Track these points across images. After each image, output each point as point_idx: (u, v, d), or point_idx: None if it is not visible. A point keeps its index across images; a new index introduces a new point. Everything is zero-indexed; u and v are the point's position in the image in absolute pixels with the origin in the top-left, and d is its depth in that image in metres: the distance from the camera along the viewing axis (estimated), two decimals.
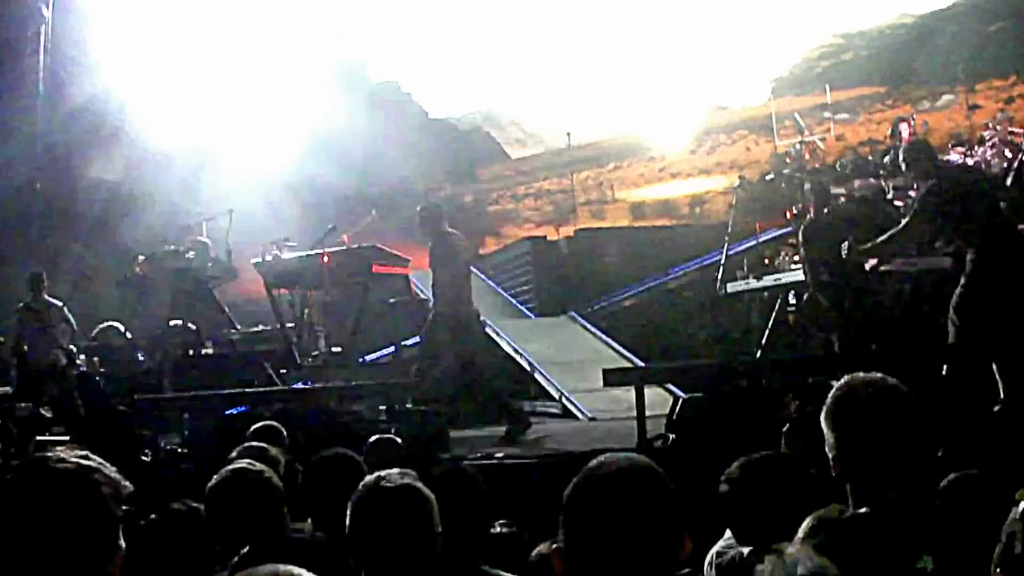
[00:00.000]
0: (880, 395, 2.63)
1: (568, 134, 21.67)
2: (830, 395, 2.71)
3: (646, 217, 26.11)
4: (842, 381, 2.71)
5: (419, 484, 3.17)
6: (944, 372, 7.59)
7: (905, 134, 12.74)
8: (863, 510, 2.56)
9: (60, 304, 12.50)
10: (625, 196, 29.46)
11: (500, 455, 8.29)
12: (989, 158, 12.39)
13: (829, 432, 2.69)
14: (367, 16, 26.15)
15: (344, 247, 12.22)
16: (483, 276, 15.47)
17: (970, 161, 12.40)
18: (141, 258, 14.22)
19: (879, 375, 2.70)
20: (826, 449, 2.71)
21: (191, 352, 12.92)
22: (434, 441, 8.32)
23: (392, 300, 13.77)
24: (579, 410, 10.78)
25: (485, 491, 3.96)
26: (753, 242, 13.71)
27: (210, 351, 13.18)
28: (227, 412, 9.19)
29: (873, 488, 2.58)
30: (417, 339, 10.77)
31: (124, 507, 1.96)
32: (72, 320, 12.56)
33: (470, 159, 35.36)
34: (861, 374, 2.70)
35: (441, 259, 9.78)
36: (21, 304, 12.41)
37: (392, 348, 13.40)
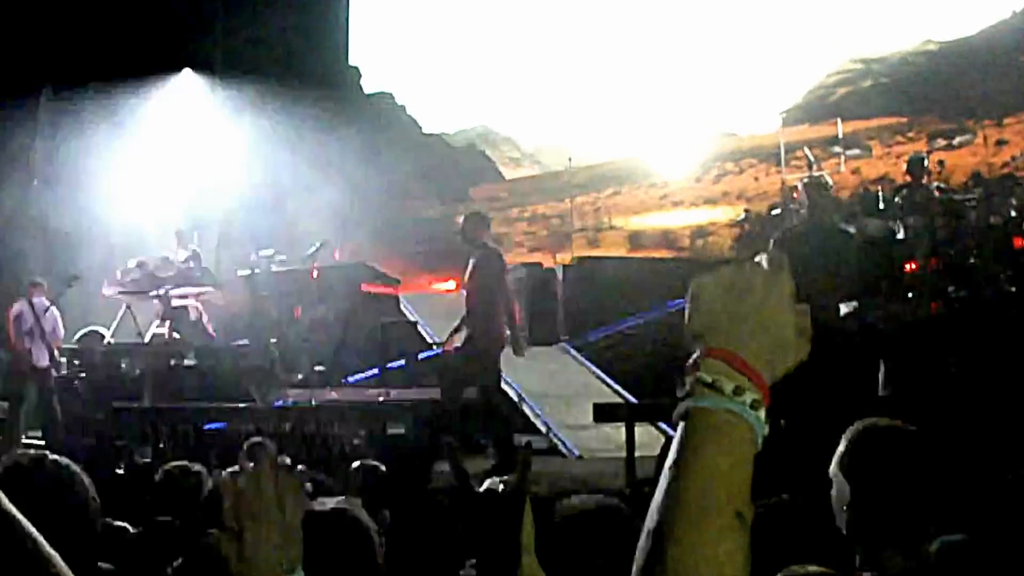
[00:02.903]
0: (907, 443, 2.63)
1: (569, 159, 21.85)
2: (847, 440, 2.69)
3: (644, 247, 26.19)
4: (859, 426, 2.70)
5: (358, 513, 3.23)
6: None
7: (923, 174, 12.88)
8: None
9: (48, 304, 12.64)
10: (623, 224, 29.55)
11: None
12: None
13: (843, 482, 2.63)
14: (361, 23, 26.40)
15: (333, 264, 12.39)
16: None
17: (984, 204, 12.57)
18: (132, 263, 14.39)
19: (898, 422, 2.70)
20: (834, 502, 2.67)
21: (173, 363, 13.07)
22: (418, 470, 8.45)
23: (382, 321, 13.90)
24: (567, 447, 10.90)
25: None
26: None
27: (192, 363, 13.33)
28: (205, 427, 9.35)
29: (883, 549, 2.55)
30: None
31: (106, 519, 2.07)
32: (60, 322, 12.71)
33: (463, 178, 35.56)
34: (880, 420, 2.71)
35: (483, 276, 9.63)
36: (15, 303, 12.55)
37: (376, 371, 13.53)
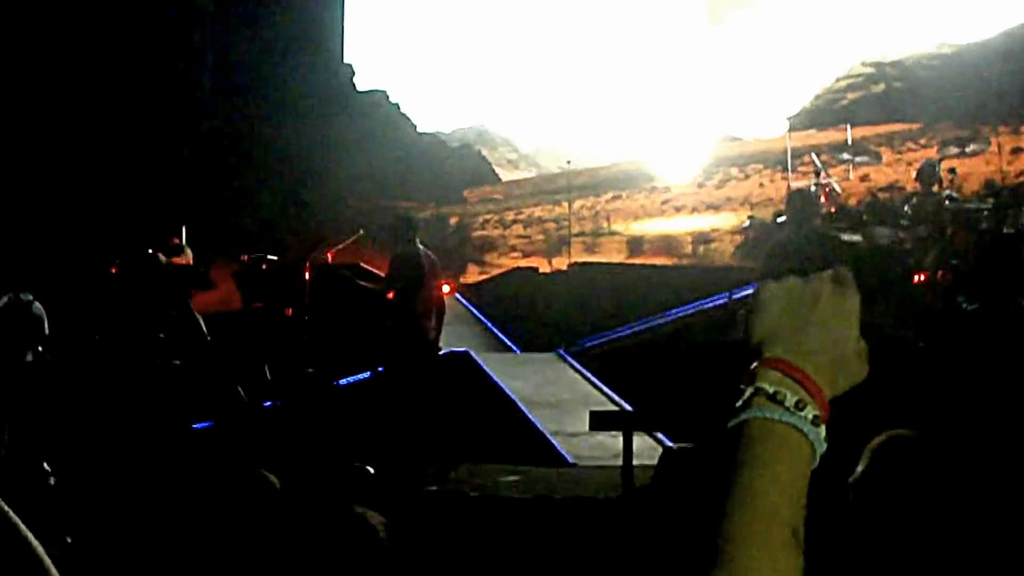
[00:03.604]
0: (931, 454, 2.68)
1: (568, 161, 21.97)
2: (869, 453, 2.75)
3: (644, 253, 26.29)
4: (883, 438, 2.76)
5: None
6: None
7: (933, 182, 13.02)
8: None
9: (30, 299, 12.70)
10: (622, 229, 29.62)
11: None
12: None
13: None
14: (356, 18, 26.60)
15: (327, 265, 12.50)
16: (468, 305, 15.77)
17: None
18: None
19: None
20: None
21: (158, 361, 13.16)
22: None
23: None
24: (562, 454, 11.00)
25: None
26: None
27: (177, 362, 13.40)
28: (193, 426, 9.46)
29: None
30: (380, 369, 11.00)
31: None
32: (44, 317, 12.76)
33: (458, 178, 35.66)
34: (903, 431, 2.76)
35: (409, 279, 10.02)
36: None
37: (368, 374, 13.62)
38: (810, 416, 1.24)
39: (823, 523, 3.13)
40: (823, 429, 1.25)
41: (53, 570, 1.73)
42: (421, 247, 11.34)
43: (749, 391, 1.27)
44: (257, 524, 4.11)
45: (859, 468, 2.75)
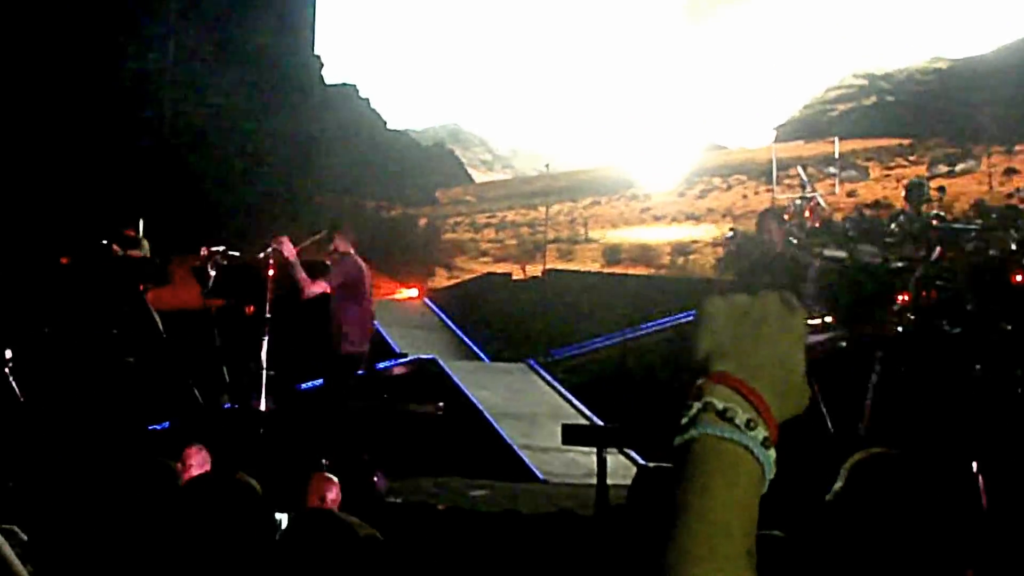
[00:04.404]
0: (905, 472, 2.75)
1: (547, 165, 22.09)
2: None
3: (621, 263, 26.45)
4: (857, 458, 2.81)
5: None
6: None
7: (921, 201, 13.16)
8: None
9: None
10: (599, 236, 29.76)
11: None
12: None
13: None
14: (327, 8, 26.71)
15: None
16: (437, 310, 15.88)
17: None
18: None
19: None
20: None
21: (110, 358, 13.16)
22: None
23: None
24: (532, 469, 11.10)
25: None
26: None
27: (131, 359, 13.41)
28: (149, 427, 9.52)
29: None
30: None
31: None
32: None
33: (429, 178, 35.73)
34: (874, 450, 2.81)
35: (351, 287, 10.16)
36: None
37: (320, 381, 13.67)
38: (760, 437, 1.23)
39: (802, 540, 3.27)
40: (773, 452, 1.24)
41: (17, 564, 1.83)
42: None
43: (697, 406, 1.26)
44: (233, 526, 4.22)
45: (836, 486, 2.85)
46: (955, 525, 2.74)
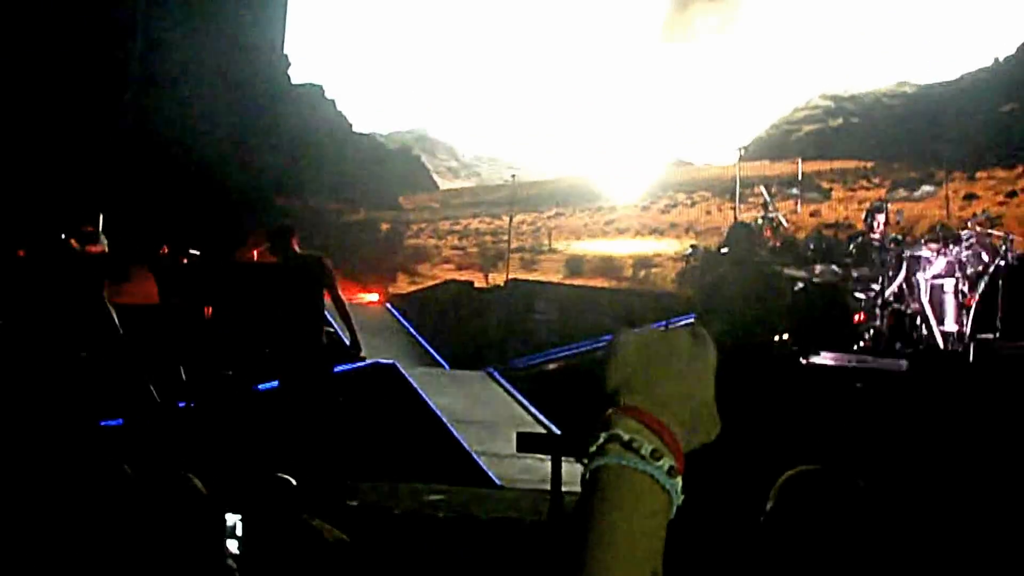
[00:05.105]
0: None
1: (513, 175, 22.26)
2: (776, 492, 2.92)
3: (583, 274, 26.61)
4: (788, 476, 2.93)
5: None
6: None
7: (880, 224, 13.37)
8: None
9: None
10: (563, 247, 29.92)
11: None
12: (964, 259, 13.06)
13: None
14: (296, 7, 26.82)
15: (251, 263, 12.64)
16: (398, 315, 16.03)
17: (942, 260, 13.10)
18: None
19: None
20: None
21: (64, 352, 13.19)
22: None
23: None
24: (488, 475, 11.25)
25: None
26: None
27: (84, 354, 13.44)
28: (101, 423, 9.60)
29: None
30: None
31: None
32: None
33: (394, 183, 35.82)
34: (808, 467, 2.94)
35: (302, 289, 10.27)
36: None
37: (276, 383, 13.74)
38: (666, 467, 1.26)
39: (738, 560, 3.44)
40: (679, 481, 1.27)
41: None
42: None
43: (603, 436, 1.28)
44: (180, 528, 4.35)
45: (768, 505, 3.00)
46: (875, 536, 2.92)
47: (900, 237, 13.76)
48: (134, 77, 28.75)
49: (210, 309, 13.44)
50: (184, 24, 28.48)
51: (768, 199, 15.81)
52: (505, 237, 24.44)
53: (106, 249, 14.64)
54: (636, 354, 1.35)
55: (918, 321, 12.16)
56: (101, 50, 27.73)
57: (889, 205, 14.63)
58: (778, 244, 15.00)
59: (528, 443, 9.72)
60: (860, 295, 12.24)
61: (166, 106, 28.16)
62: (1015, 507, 7.53)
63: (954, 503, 7.78)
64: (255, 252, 13.21)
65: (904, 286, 12.31)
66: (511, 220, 23.19)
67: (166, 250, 14.81)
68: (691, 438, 1.31)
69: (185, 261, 13.90)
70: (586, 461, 1.28)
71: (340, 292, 10.61)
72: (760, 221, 15.40)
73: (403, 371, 13.42)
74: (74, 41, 25.91)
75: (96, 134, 25.92)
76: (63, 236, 14.34)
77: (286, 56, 34.46)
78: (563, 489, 8.47)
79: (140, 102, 28.34)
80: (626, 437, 1.26)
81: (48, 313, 13.82)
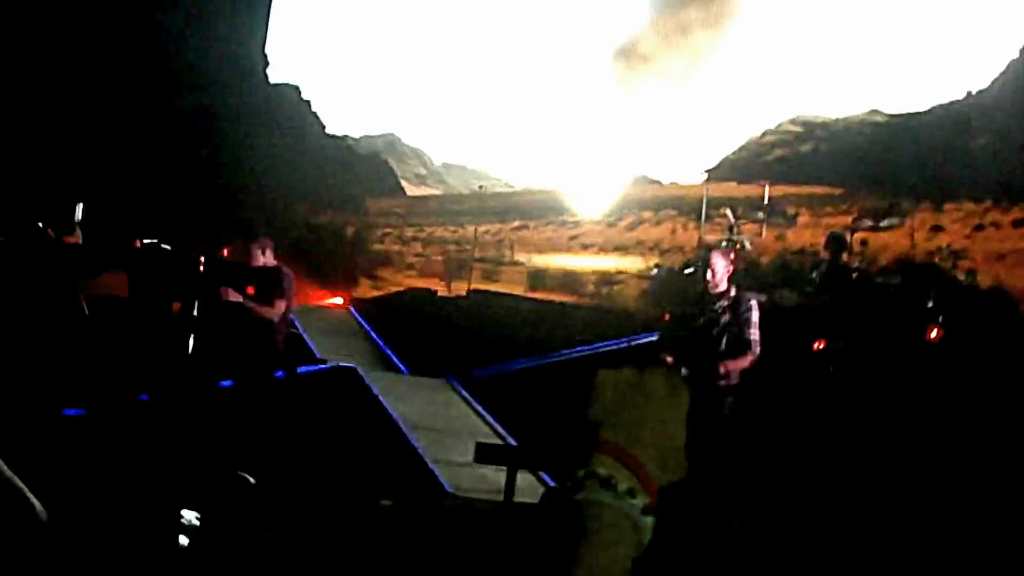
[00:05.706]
0: None
1: (481, 187, 22.39)
2: None
3: (545, 288, 26.65)
4: None
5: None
6: None
7: (842, 253, 13.51)
8: None
9: None
10: (525, 260, 29.94)
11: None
12: None
13: None
14: (278, 7, 26.89)
15: (223, 261, 12.66)
16: (361, 319, 16.07)
17: None
18: None
19: None
20: None
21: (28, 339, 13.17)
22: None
23: None
24: (441, 483, 11.30)
25: None
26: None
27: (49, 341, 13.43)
28: (65, 412, 9.62)
29: None
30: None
31: None
32: None
33: (362, 187, 35.84)
34: None
35: (281, 296, 10.35)
36: None
37: (230, 382, 13.73)
38: (640, 505, 1.32)
39: None
40: (651, 519, 1.33)
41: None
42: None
43: (581, 473, 1.35)
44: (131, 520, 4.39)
45: (735, 526, 3.14)
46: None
47: (862, 266, 13.92)
48: (117, 71, 28.66)
49: (178, 305, 13.45)
50: (174, 19, 28.45)
51: (733, 221, 15.96)
52: (468, 247, 24.51)
53: (80, 240, 14.65)
54: (615, 393, 1.41)
55: None
56: (90, 44, 27.66)
57: (854, 234, 14.80)
58: (742, 267, 15.14)
59: (486, 454, 9.81)
60: (821, 322, 12.35)
61: (147, 100, 28.07)
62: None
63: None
64: (225, 250, 13.23)
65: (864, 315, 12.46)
66: (476, 230, 23.28)
67: (139, 243, 14.82)
68: (663, 477, 1.37)
69: (156, 256, 13.89)
70: (564, 492, 1.35)
71: (291, 304, 10.67)
72: (725, 243, 15.55)
73: (363, 375, 13.47)
74: (62, 34, 25.87)
75: (75, 123, 25.86)
76: (40, 225, 14.33)
77: (265, 55, 34.47)
78: (515, 500, 8.57)
79: (121, 96, 28.24)
80: (604, 474, 1.33)
81: (16, 300, 13.81)
